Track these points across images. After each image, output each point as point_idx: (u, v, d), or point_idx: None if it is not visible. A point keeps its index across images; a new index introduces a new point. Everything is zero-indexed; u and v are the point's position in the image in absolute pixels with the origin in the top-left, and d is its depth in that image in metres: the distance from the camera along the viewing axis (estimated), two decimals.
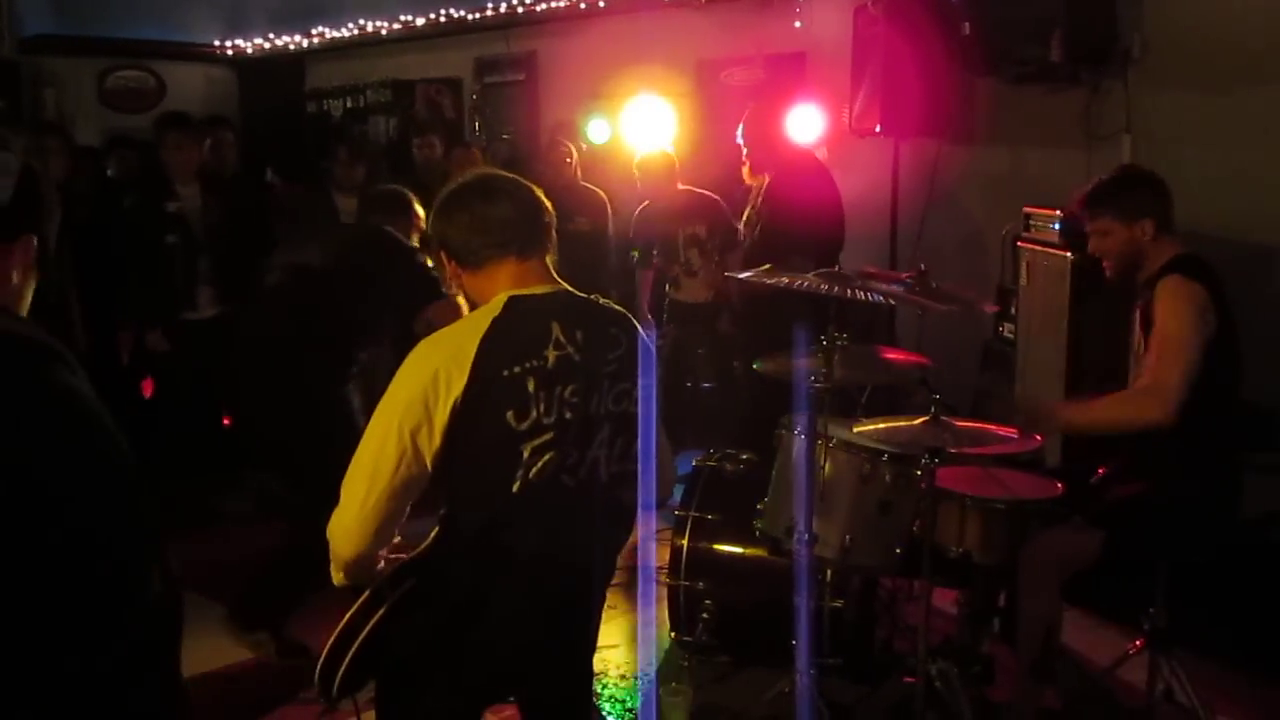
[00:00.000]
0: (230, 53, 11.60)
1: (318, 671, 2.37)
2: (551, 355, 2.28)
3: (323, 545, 2.36)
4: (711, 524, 4.24)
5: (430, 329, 2.57)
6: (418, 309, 4.07)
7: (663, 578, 4.27)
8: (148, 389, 6.27)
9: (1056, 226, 5.09)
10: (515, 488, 2.25)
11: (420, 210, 4.32)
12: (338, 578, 2.44)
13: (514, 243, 2.39)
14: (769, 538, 3.88)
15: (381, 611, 2.35)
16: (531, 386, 2.25)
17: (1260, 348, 3.64)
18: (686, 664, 4.16)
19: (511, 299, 2.35)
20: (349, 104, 10.76)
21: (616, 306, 2.49)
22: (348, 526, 2.29)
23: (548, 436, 2.25)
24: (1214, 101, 5.03)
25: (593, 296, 2.46)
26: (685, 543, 4.22)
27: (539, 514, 2.29)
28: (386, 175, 8.70)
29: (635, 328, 2.45)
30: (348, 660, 2.32)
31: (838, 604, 4.00)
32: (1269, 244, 4.79)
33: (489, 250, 2.39)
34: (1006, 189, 5.92)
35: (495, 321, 2.30)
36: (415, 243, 4.35)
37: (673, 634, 4.30)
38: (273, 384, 4.20)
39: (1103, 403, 3.58)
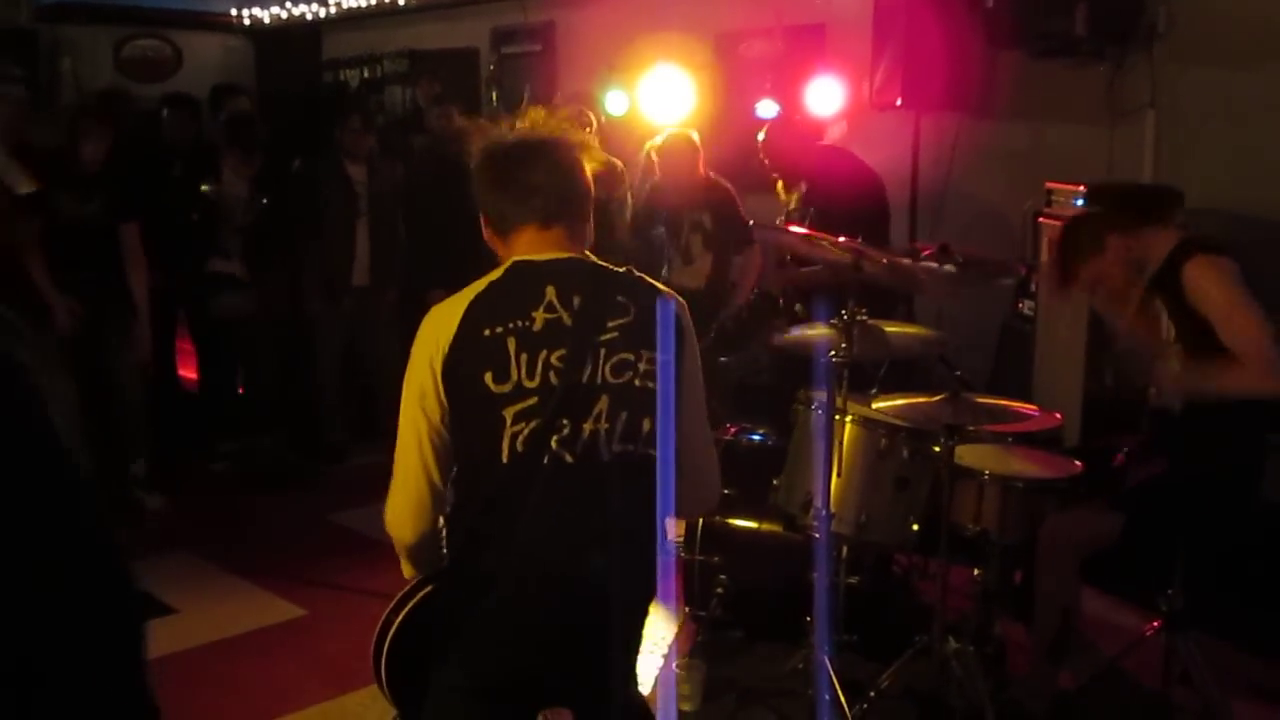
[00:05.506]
0: (247, 22, 11.56)
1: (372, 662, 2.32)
2: (540, 318, 2.14)
3: None
4: (727, 499, 4.23)
5: None
6: None
7: (678, 552, 4.26)
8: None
9: (1079, 202, 5.03)
10: (504, 458, 2.11)
11: None
12: (407, 570, 2.33)
13: (539, 210, 2.24)
14: (784, 513, 3.87)
15: (419, 597, 2.26)
16: (512, 347, 2.11)
17: None
18: (700, 638, 4.15)
19: (515, 264, 2.23)
20: (366, 74, 10.71)
21: (644, 278, 2.30)
22: (397, 508, 2.22)
23: (531, 401, 2.10)
24: (1240, 77, 4.96)
25: (617, 266, 2.28)
26: (700, 517, 4.21)
27: (534, 489, 2.12)
28: (400, 145, 8.67)
29: (654, 299, 2.24)
30: (386, 651, 2.27)
31: (853, 580, 3.99)
32: None
33: (515, 216, 2.26)
34: (1028, 164, 5.85)
35: (492, 284, 2.20)
36: None
37: (687, 608, 4.30)
38: None
39: (1228, 372, 3.25)
